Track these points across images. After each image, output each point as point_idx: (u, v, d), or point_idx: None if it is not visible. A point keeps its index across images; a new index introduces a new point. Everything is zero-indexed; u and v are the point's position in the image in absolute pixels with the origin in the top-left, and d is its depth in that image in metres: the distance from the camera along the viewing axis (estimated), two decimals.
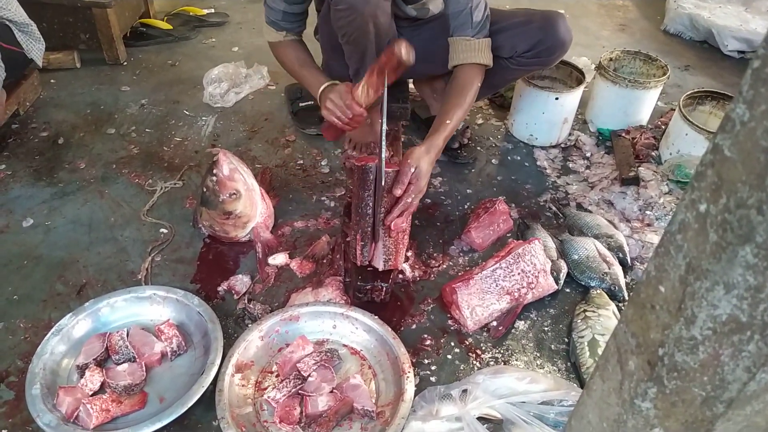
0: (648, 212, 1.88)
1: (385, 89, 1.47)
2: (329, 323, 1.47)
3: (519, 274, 1.54)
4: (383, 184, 1.45)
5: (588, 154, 2.18)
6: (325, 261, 1.68)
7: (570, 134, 2.25)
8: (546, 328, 1.54)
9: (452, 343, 1.48)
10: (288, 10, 1.67)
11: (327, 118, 1.66)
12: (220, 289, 1.59)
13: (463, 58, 1.69)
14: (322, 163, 2.07)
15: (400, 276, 1.64)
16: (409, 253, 1.71)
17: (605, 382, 0.57)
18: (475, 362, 1.44)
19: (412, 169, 1.47)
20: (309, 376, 1.33)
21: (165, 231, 1.76)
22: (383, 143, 1.45)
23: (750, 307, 0.41)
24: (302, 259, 1.68)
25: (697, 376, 0.47)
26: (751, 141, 0.38)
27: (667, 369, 0.49)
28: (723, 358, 0.44)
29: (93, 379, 1.31)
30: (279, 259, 1.65)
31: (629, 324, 0.53)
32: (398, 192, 1.46)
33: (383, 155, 1.45)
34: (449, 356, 1.45)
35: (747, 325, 0.42)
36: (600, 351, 1.40)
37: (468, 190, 1.99)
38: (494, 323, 1.53)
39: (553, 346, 1.49)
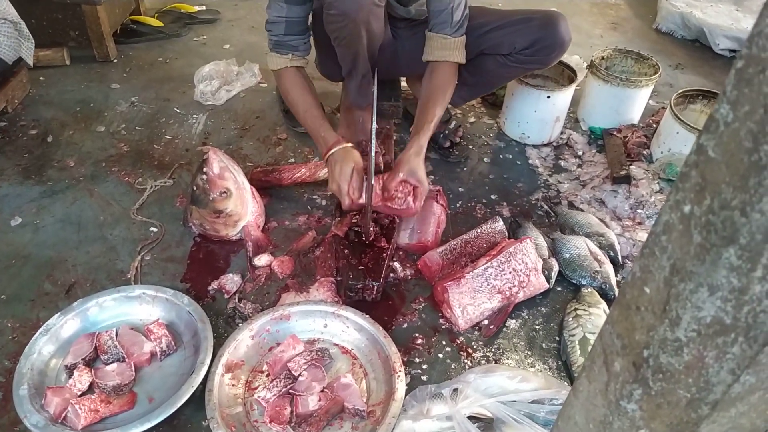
0: (639, 210, 1.88)
1: (375, 88, 1.47)
2: (320, 322, 1.46)
3: (510, 272, 1.54)
4: (372, 182, 1.45)
5: (580, 153, 2.18)
6: (309, 255, 1.67)
7: (562, 133, 2.25)
8: (537, 327, 1.54)
9: (443, 342, 1.48)
10: (290, 15, 1.62)
11: (331, 190, 1.63)
12: (210, 288, 1.58)
13: (440, 55, 1.72)
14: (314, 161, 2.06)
15: (392, 275, 1.64)
16: (400, 252, 1.71)
17: (591, 383, 0.57)
18: (466, 361, 1.44)
19: (400, 175, 1.55)
20: (299, 375, 1.32)
21: (155, 230, 1.75)
22: (373, 142, 1.45)
23: (734, 309, 0.41)
24: (284, 254, 1.67)
25: (681, 377, 0.47)
26: (734, 142, 0.38)
27: (652, 371, 0.49)
28: (707, 360, 0.44)
29: (81, 379, 1.30)
30: (263, 260, 1.64)
31: (615, 325, 0.53)
32: (415, 206, 1.60)
33: (373, 154, 1.45)
34: (440, 355, 1.45)
35: (731, 327, 0.42)
36: None
37: (460, 189, 1.99)
38: (485, 322, 1.53)
39: (544, 344, 1.50)
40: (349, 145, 1.61)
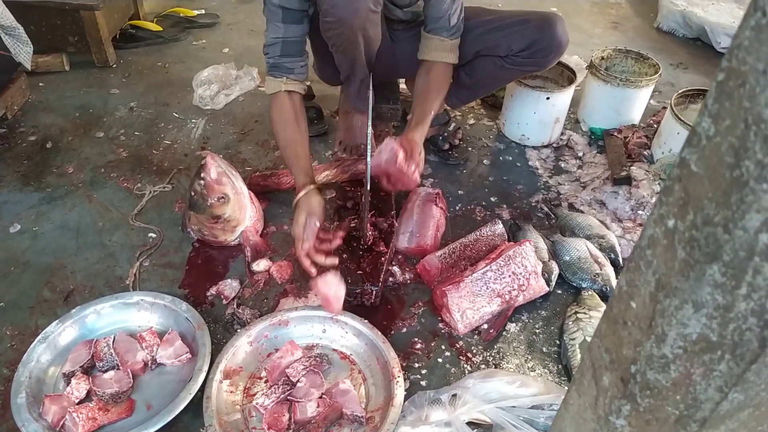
0: (640, 212, 1.86)
1: (371, 94, 1.46)
2: (319, 327, 1.46)
3: (510, 276, 1.53)
4: (368, 188, 1.44)
5: (580, 154, 2.17)
6: None
7: (562, 134, 2.23)
8: (537, 331, 1.53)
9: (443, 347, 1.47)
10: (287, 36, 1.58)
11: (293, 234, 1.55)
12: (208, 293, 1.58)
13: (435, 56, 1.74)
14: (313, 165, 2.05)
15: (391, 279, 1.63)
16: (399, 256, 1.70)
17: (581, 397, 0.56)
18: (465, 365, 1.43)
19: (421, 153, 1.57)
20: (298, 381, 1.32)
21: (153, 235, 1.75)
22: (369, 146, 1.44)
23: (720, 327, 0.40)
24: (283, 259, 1.67)
25: (669, 394, 0.46)
26: (716, 156, 0.37)
27: (639, 387, 0.48)
28: (694, 377, 0.43)
29: (79, 387, 1.30)
30: (262, 265, 1.64)
31: (603, 339, 0.52)
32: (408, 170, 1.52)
33: (369, 158, 1.44)
34: (440, 360, 1.44)
35: (717, 345, 0.41)
36: None
37: (459, 191, 1.98)
38: (485, 326, 1.52)
39: (544, 348, 1.49)
40: (313, 187, 1.56)
